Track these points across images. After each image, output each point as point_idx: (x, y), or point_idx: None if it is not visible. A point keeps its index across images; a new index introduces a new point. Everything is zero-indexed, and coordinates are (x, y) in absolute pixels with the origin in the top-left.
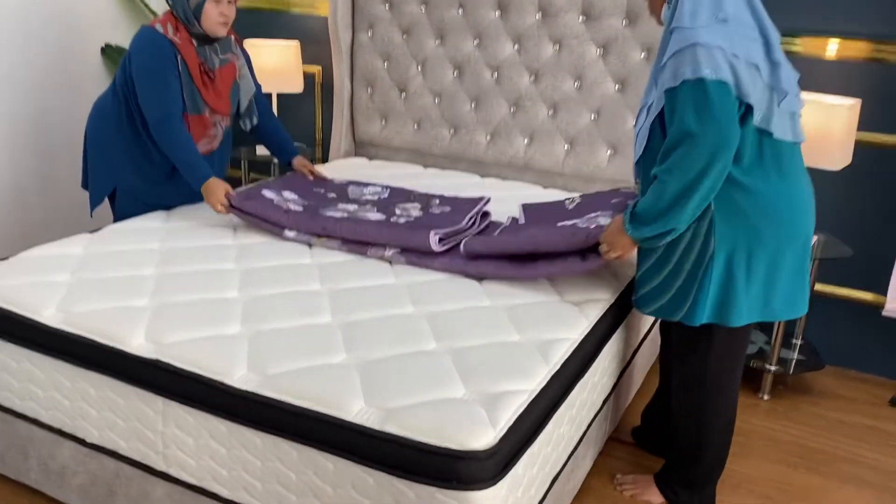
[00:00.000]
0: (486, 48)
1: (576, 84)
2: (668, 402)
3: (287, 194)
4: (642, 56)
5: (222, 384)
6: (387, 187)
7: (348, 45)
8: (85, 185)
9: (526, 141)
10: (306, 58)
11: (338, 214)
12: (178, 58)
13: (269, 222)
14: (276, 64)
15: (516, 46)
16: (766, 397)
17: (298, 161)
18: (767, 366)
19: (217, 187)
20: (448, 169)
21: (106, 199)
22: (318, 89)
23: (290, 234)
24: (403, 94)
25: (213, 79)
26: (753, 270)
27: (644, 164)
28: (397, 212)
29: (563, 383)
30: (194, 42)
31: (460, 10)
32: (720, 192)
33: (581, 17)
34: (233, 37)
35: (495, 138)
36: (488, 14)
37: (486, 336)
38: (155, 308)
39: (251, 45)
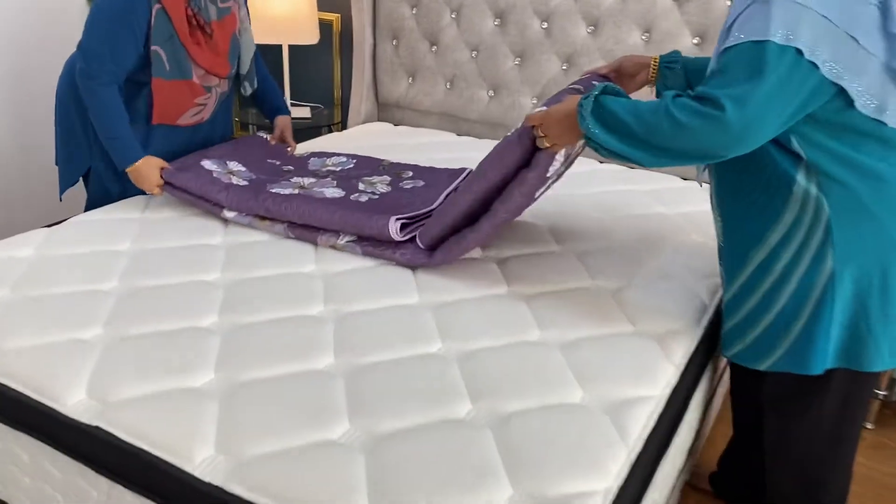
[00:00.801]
0: None
1: (644, 36)
2: (750, 454)
3: (233, 165)
4: (729, 3)
5: (180, 471)
6: (353, 157)
7: None
8: (58, 161)
9: None
10: (322, 4)
11: (286, 191)
12: (153, 9)
13: (205, 200)
14: (286, 11)
15: None
16: (870, 426)
17: (281, 121)
18: (875, 389)
19: (149, 171)
20: (486, 137)
21: (81, 180)
22: (337, 41)
23: (228, 214)
24: (434, 47)
25: (209, 34)
26: (893, 293)
27: (720, 190)
28: (360, 187)
29: (644, 470)
30: None
31: None
32: (833, 181)
33: None
34: None
35: (543, 99)
36: None
37: (539, 396)
38: (107, 345)
39: None
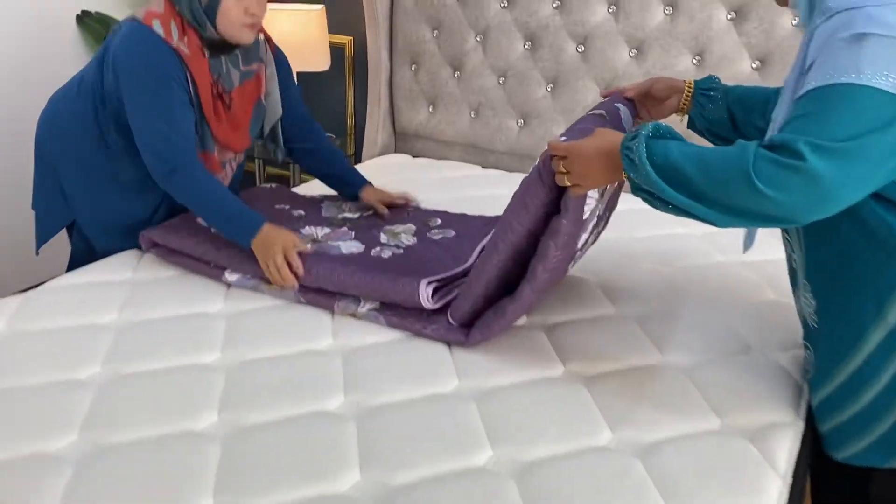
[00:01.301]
0: (569, 12)
1: (695, 60)
2: None
3: None
4: (794, 23)
5: None
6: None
7: (387, 8)
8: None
9: None
10: (334, 25)
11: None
12: (188, 75)
13: (203, 261)
14: (295, 35)
15: (612, 9)
16: None
17: (370, 194)
18: None
19: (278, 236)
20: (515, 170)
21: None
22: (350, 66)
23: (230, 277)
24: (457, 72)
25: (228, 104)
26: None
27: (810, 261)
28: (382, 238)
29: None
30: (206, 52)
31: None
32: None
33: None
34: (262, 36)
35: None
36: None
37: None
38: (80, 460)
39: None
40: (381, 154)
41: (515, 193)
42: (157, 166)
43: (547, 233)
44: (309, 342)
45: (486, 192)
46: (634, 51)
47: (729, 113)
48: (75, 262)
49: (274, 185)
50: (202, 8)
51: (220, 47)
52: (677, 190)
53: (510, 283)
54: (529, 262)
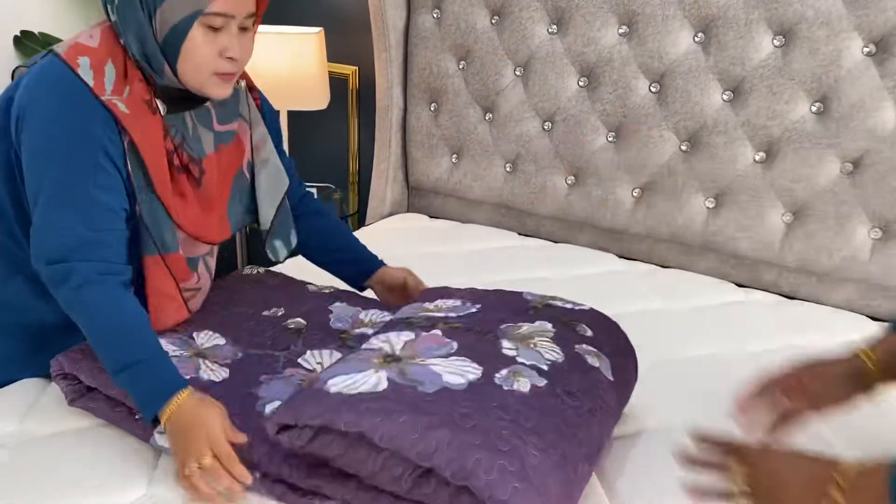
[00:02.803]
0: (641, 40)
1: (814, 107)
2: None
3: (203, 337)
4: None
5: None
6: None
7: (401, 32)
8: None
9: (710, 203)
10: (334, 53)
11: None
12: (125, 141)
13: (126, 409)
14: (288, 68)
15: (699, 36)
16: None
17: (389, 278)
18: None
19: (209, 412)
20: (563, 241)
21: None
22: (353, 101)
23: (162, 440)
24: (489, 114)
25: (198, 178)
26: None
27: None
28: (505, 347)
29: None
30: (159, 105)
31: None
32: None
33: None
34: (242, 83)
35: (651, 193)
36: None
37: None
38: None
39: None
40: (390, 213)
41: None
42: (46, 268)
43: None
44: None
45: (526, 274)
46: (729, 93)
47: None
48: None
49: (261, 270)
50: (158, 43)
51: (183, 99)
52: None
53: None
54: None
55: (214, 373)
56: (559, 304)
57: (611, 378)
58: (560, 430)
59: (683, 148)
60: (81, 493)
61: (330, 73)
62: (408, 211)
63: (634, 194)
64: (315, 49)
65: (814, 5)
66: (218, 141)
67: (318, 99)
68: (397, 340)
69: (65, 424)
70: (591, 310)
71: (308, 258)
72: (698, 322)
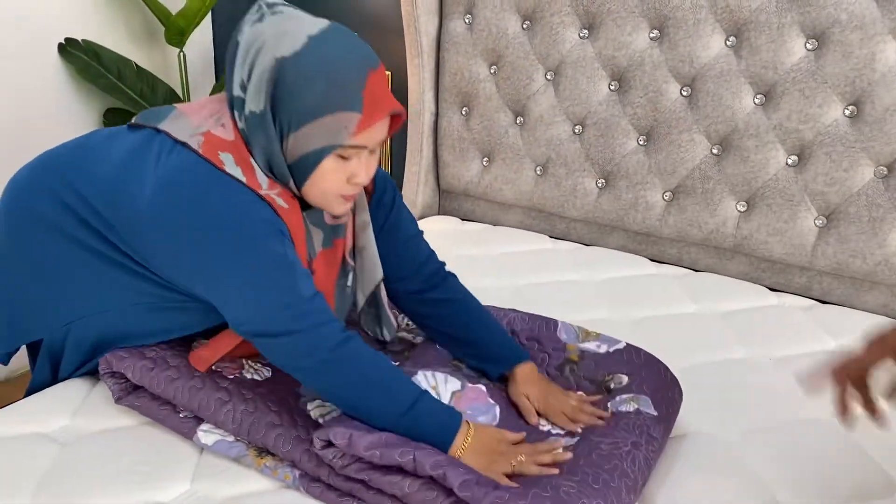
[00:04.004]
0: (672, 44)
1: (847, 111)
2: None
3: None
4: None
5: None
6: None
7: (433, 38)
8: None
9: (741, 206)
10: None
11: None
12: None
13: (171, 407)
14: None
15: (731, 40)
16: None
17: (525, 375)
18: None
19: (492, 431)
20: (593, 245)
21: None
22: None
23: (205, 437)
24: (520, 118)
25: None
26: None
27: None
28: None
29: None
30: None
31: None
32: None
33: None
34: None
35: (682, 197)
36: None
37: None
38: None
39: None
40: (421, 216)
41: None
42: (283, 341)
43: None
44: None
45: (558, 277)
46: (761, 96)
47: None
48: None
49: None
50: (286, 162)
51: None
52: None
53: None
54: None
55: (258, 372)
56: (593, 347)
57: (654, 413)
58: (595, 463)
59: (714, 151)
60: (127, 488)
61: None
62: (439, 214)
63: (665, 198)
64: None
65: (847, 8)
66: (332, 235)
67: None
68: (444, 390)
69: (112, 422)
70: (627, 347)
71: (444, 345)
72: (731, 326)
